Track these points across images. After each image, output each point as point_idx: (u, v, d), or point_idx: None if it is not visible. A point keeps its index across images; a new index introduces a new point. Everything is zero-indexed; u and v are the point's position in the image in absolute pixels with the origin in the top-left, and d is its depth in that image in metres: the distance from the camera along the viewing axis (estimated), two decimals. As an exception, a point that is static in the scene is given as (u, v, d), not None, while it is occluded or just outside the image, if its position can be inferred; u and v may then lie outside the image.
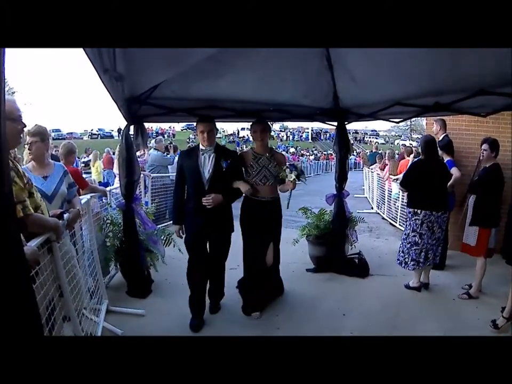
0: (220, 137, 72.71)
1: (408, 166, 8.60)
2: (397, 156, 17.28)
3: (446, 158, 8.05)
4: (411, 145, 34.33)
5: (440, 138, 8.55)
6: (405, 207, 7.77)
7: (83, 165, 24.24)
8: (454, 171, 7.79)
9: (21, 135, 3.76)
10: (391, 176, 13.98)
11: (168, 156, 13.93)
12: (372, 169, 18.12)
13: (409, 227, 6.97)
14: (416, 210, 6.81)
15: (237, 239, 10.35)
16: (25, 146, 5.07)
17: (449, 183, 7.46)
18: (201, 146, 5.91)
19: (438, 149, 7.88)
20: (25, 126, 3.73)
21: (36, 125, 5.25)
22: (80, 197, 5.80)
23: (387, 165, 15.63)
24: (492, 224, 6.35)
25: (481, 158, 6.74)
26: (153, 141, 13.78)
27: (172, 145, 16.54)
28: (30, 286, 2.51)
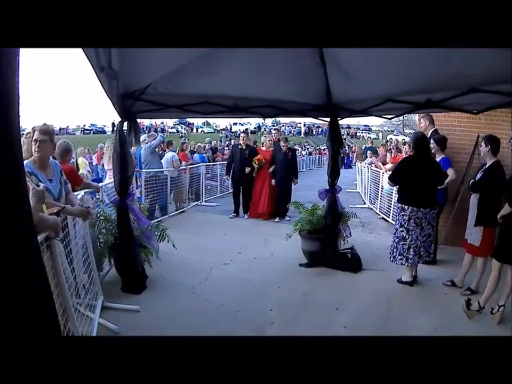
0: (212, 132, 72.48)
1: (398, 162, 8.66)
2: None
3: (441, 155, 8.07)
4: (403, 140, 34.44)
5: (430, 133, 8.60)
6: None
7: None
8: (450, 172, 7.82)
9: None
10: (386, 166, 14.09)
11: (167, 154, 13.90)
12: (368, 164, 18.03)
13: (397, 222, 7.04)
14: (403, 206, 6.86)
15: (230, 233, 10.39)
16: (32, 142, 5.06)
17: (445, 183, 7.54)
18: None
19: (432, 143, 7.93)
20: None
21: (45, 123, 5.23)
22: (75, 193, 5.83)
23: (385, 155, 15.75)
24: (497, 223, 6.32)
25: (481, 153, 6.77)
26: (144, 135, 13.66)
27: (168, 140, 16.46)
28: (50, 295, 2.58)
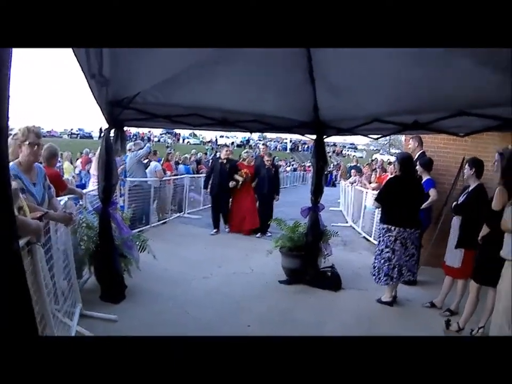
0: (198, 144, 72.41)
1: (384, 182, 8.69)
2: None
3: (426, 177, 8.16)
4: (389, 160, 34.57)
5: (417, 155, 8.65)
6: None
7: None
8: (432, 192, 7.91)
9: None
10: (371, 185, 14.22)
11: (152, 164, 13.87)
12: (350, 183, 18.10)
13: (382, 243, 7.01)
14: (389, 226, 6.87)
15: (211, 246, 10.36)
16: (26, 145, 4.99)
17: (425, 204, 7.60)
18: None
19: (418, 166, 8.00)
20: None
21: (34, 126, 5.20)
22: (58, 199, 5.79)
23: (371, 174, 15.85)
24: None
25: (465, 176, 6.84)
26: (130, 143, 13.61)
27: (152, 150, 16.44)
28: (29, 300, 2.57)
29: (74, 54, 4.20)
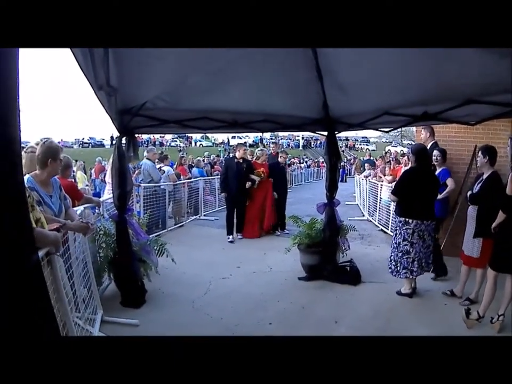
0: (211, 146, 72.37)
1: (400, 175, 8.65)
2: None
3: (441, 167, 8.10)
4: (402, 151, 34.43)
5: (429, 145, 8.59)
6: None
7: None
8: (449, 182, 7.85)
9: None
10: (386, 177, 14.12)
11: (163, 168, 13.83)
12: (365, 176, 18.01)
13: (399, 236, 6.97)
14: (407, 219, 6.83)
15: (229, 247, 10.35)
16: (56, 161, 5.05)
17: (443, 193, 7.57)
18: None
19: (437, 157, 7.93)
20: None
21: (51, 139, 5.25)
22: (75, 208, 5.84)
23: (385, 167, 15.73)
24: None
25: (478, 164, 6.77)
26: (144, 152, 13.61)
27: (163, 154, 16.44)
28: (45, 290, 2.61)
29: (80, 68, 4.25)
